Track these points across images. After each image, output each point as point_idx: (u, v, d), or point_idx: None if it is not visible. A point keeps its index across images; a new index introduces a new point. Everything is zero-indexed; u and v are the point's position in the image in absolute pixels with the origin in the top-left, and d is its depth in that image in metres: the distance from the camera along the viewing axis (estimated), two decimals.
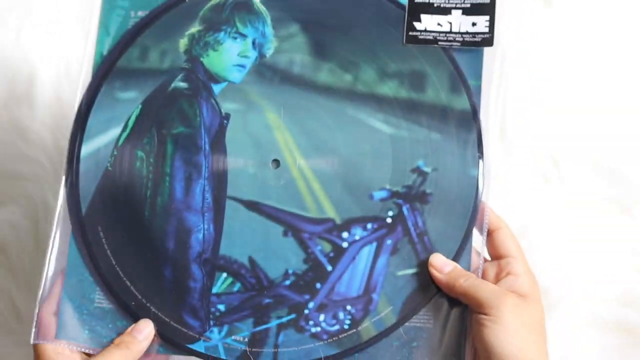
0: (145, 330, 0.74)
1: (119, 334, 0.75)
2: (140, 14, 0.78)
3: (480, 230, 0.73)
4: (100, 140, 0.77)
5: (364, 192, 0.75)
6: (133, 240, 0.76)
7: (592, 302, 0.89)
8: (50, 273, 0.76)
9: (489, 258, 0.74)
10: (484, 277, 0.72)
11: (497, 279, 0.71)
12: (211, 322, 0.75)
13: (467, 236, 0.73)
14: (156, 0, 0.79)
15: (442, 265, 0.72)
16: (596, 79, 0.94)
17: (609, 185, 0.91)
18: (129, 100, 0.77)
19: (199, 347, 0.74)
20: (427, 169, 0.75)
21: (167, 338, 0.75)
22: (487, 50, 0.75)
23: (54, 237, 0.77)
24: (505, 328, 0.65)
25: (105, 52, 0.79)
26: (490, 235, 0.72)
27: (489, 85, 0.75)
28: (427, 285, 0.73)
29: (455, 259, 0.73)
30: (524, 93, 0.91)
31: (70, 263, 0.76)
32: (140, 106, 0.77)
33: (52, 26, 0.92)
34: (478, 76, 0.76)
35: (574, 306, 0.88)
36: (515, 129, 0.88)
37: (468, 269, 0.72)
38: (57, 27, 0.92)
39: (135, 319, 0.75)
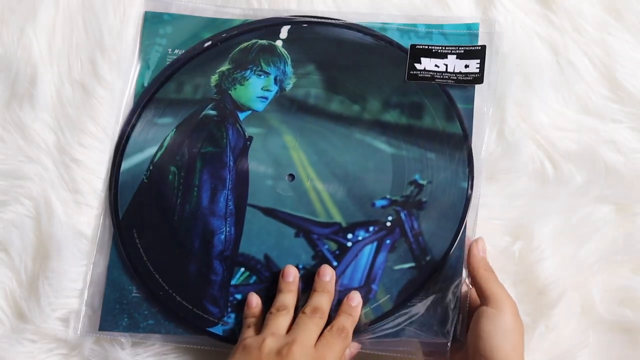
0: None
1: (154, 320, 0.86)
2: (177, 51, 0.93)
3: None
4: (138, 157, 0.90)
5: (367, 201, 0.88)
6: (162, 240, 0.88)
7: (591, 302, 0.89)
8: (98, 270, 0.89)
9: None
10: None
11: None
12: (229, 309, 0.86)
13: (456, 237, 0.86)
14: (191, 41, 0.94)
15: (483, 248, 0.84)
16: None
17: (607, 184, 0.91)
18: (164, 125, 0.91)
19: (217, 330, 0.86)
20: (423, 182, 0.88)
21: (189, 322, 0.86)
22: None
23: (98, 240, 0.90)
24: (503, 323, 0.76)
25: (145, 84, 0.93)
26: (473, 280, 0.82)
27: (481, 106, 0.89)
28: (419, 277, 0.85)
29: (445, 257, 0.85)
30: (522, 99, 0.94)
31: (112, 260, 0.89)
32: (174, 129, 0.91)
33: (54, 27, 0.96)
34: (470, 100, 0.90)
35: (573, 306, 0.89)
36: (514, 132, 0.92)
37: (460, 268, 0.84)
38: (59, 27, 0.96)
39: (163, 306, 0.87)
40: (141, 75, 0.94)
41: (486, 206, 0.89)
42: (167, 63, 0.93)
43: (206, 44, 0.94)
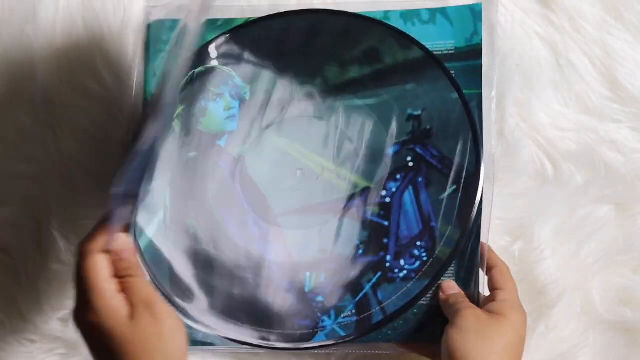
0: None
1: None
2: None
3: (483, 268, 0.85)
4: (151, 229, 0.90)
5: (380, 155, 0.88)
6: (215, 286, 0.88)
7: (591, 302, 0.90)
8: None
9: (488, 293, 0.85)
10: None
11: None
12: (318, 314, 0.85)
13: (473, 133, 0.87)
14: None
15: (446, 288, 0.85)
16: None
17: (607, 184, 0.91)
18: (157, 188, 0.90)
19: (319, 338, 0.85)
20: (418, 112, 0.88)
21: (292, 344, 0.86)
22: None
23: None
24: (459, 330, 0.77)
25: (153, 91, 0.91)
26: (489, 272, 0.84)
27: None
28: (466, 196, 0.86)
29: (478, 164, 0.86)
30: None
31: None
32: (169, 187, 0.90)
33: (55, 25, 0.95)
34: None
35: (573, 306, 0.89)
36: (514, 132, 0.92)
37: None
38: (60, 26, 0.95)
39: (195, 320, 0.87)
40: (147, 83, 0.93)
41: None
42: None
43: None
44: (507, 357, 0.76)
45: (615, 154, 0.90)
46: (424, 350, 0.85)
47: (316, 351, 0.86)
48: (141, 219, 0.89)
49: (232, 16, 0.94)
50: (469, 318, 0.78)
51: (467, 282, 0.85)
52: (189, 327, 0.86)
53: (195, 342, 0.87)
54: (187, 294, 0.87)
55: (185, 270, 0.88)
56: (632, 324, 0.89)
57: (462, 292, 0.84)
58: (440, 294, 0.84)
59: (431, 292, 0.85)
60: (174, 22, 0.93)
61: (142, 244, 0.89)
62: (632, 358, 0.88)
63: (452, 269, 0.85)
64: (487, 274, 0.84)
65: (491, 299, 0.81)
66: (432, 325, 0.85)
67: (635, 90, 0.92)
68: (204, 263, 0.88)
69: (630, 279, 0.90)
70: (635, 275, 0.90)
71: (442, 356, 0.78)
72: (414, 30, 0.91)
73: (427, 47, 0.90)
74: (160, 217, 0.89)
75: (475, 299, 0.84)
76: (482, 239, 0.85)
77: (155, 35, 0.94)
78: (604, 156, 0.91)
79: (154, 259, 0.88)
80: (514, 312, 0.79)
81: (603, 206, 0.91)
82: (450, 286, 0.84)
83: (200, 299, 0.87)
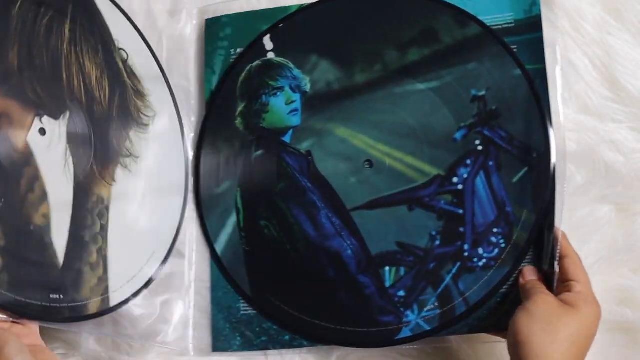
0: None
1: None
2: (239, 50, 0.92)
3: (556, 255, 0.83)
4: (226, 233, 0.90)
5: (447, 140, 0.86)
6: (294, 285, 0.89)
7: None
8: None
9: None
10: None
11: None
12: (401, 309, 0.85)
13: (540, 110, 0.85)
14: (251, 36, 0.92)
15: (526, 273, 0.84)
16: None
17: (607, 184, 0.90)
18: (227, 190, 0.90)
19: (405, 333, 0.85)
20: (482, 93, 0.86)
21: (373, 343, 0.86)
22: None
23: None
24: (528, 313, 0.76)
25: (213, 88, 0.92)
26: (561, 260, 0.82)
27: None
28: (539, 176, 0.84)
29: (547, 142, 0.84)
30: None
31: (214, 280, 0.90)
32: (238, 189, 0.90)
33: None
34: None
35: None
36: None
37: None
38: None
39: (278, 321, 0.87)
40: (208, 81, 0.93)
41: None
42: (231, 62, 0.92)
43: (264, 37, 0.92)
44: (571, 350, 0.74)
45: (615, 154, 0.89)
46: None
47: (404, 346, 0.87)
48: (214, 223, 0.90)
49: (283, 4, 0.92)
50: (540, 304, 0.77)
51: (544, 268, 0.83)
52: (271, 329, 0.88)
53: (283, 344, 0.88)
54: (266, 294, 0.88)
55: (262, 270, 0.89)
56: (632, 324, 0.88)
57: (541, 279, 0.82)
58: (521, 279, 0.83)
59: (512, 279, 0.84)
60: (228, 17, 0.93)
61: (219, 248, 0.90)
62: (632, 358, 0.88)
63: (530, 254, 0.84)
64: (559, 262, 0.82)
65: (567, 289, 0.80)
66: None
67: (635, 90, 0.90)
68: (281, 262, 0.88)
69: (630, 279, 0.89)
70: (635, 275, 0.89)
71: (507, 335, 0.78)
72: (469, 5, 0.88)
73: (485, 22, 0.87)
74: (234, 220, 0.90)
75: (552, 286, 0.82)
76: (556, 222, 0.83)
77: (211, 33, 0.93)
78: (604, 156, 0.90)
79: (231, 262, 0.89)
80: (588, 305, 0.77)
81: (603, 206, 0.90)
82: (531, 272, 0.83)
83: (280, 297, 0.88)
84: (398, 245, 0.86)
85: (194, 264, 0.92)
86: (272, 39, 0.91)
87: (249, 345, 0.88)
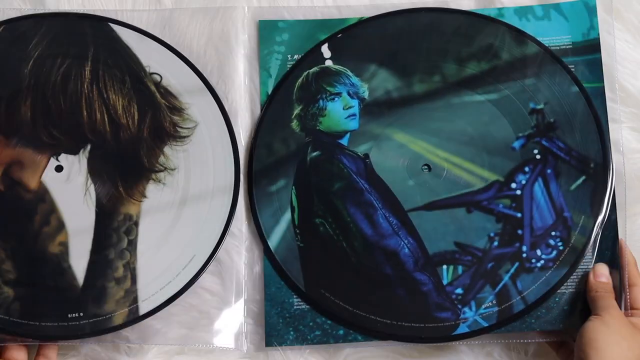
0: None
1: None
2: (296, 57, 0.94)
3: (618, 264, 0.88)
4: (280, 229, 0.90)
5: (506, 149, 0.90)
6: (349, 281, 0.89)
7: None
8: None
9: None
10: None
11: None
12: (459, 306, 0.86)
13: (597, 125, 0.90)
14: (309, 44, 0.94)
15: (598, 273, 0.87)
16: None
17: None
18: (282, 189, 0.91)
19: (462, 329, 0.86)
20: (540, 106, 0.91)
21: (430, 338, 0.87)
22: None
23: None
24: (605, 324, 0.80)
25: (269, 92, 0.94)
26: (630, 289, 0.86)
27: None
28: (597, 185, 0.89)
29: (605, 154, 0.89)
30: None
31: (267, 275, 0.90)
32: (293, 187, 0.91)
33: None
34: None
35: None
36: None
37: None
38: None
39: (333, 316, 0.88)
40: (264, 84, 0.94)
41: None
42: (288, 69, 0.94)
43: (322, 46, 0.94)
44: None
45: (615, 154, 0.91)
46: (567, 337, 0.86)
47: (461, 342, 0.87)
48: (267, 220, 0.89)
49: (344, 16, 0.96)
50: (617, 319, 0.81)
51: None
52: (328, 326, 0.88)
53: (337, 338, 0.88)
54: (320, 289, 0.88)
55: (316, 266, 0.88)
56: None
57: (611, 283, 0.86)
58: (591, 276, 0.86)
59: (570, 280, 0.87)
60: (285, 22, 0.95)
61: (272, 244, 0.89)
62: None
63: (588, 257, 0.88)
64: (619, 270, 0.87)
65: (637, 314, 0.84)
66: (573, 313, 0.86)
67: (635, 90, 0.95)
68: (336, 258, 0.88)
69: None
70: None
71: (577, 338, 0.80)
72: (528, 27, 0.94)
73: (544, 42, 0.93)
74: (289, 217, 0.89)
75: (619, 293, 0.85)
76: (620, 233, 0.88)
77: (266, 36, 0.95)
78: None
79: (285, 258, 0.89)
80: None
81: None
82: (602, 272, 0.86)
83: (334, 292, 0.88)
84: (456, 245, 0.88)
85: (243, 262, 0.91)
86: (330, 48, 0.94)
87: (302, 340, 0.87)
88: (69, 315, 0.87)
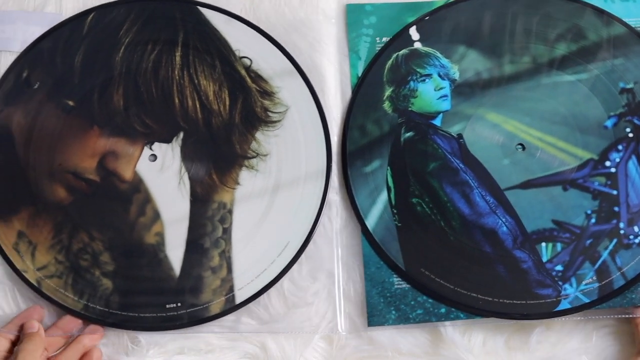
0: None
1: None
2: (385, 39, 0.96)
3: None
4: (377, 210, 0.92)
5: (599, 128, 0.92)
6: (449, 259, 0.90)
7: None
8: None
9: None
10: None
11: None
12: (559, 283, 0.88)
13: None
14: (397, 26, 0.96)
15: None
16: None
17: None
18: (376, 169, 0.92)
19: (564, 305, 0.88)
20: (630, 85, 0.93)
21: (533, 315, 0.89)
22: None
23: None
24: None
25: (359, 74, 0.96)
26: None
27: None
28: None
29: None
30: None
31: (366, 257, 0.91)
32: (388, 168, 0.92)
33: None
34: None
35: None
36: None
37: None
38: None
39: (434, 294, 0.89)
40: (353, 66, 0.96)
41: None
42: (377, 51, 0.95)
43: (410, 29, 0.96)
44: None
45: None
46: None
47: (563, 318, 0.89)
48: (364, 201, 0.91)
49: None
50: None
51: None
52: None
53: (440, 316, 0.90)
54: (420, 268, 0.90)
55: (415, 245, 0.90)
56: None
57: None
58: None
59: None
60: (373, 6, 0.97)
61: (370, 224, 0.90)
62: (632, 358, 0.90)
63: None
64: None
65: None
66: None
67: None
68: (435, 237, 0.90)
69: None
70: None
71: None
72: (613, 8, 0.96)
73: (630, 23, 0.95)
74: (385, 197, 0.90)
75: None
76: None
77: (354, 19, 0.97)
78: None
79: (383, 238, 0.90)
80: None
81: None
82: None
83: (434, 271, 0.90)
84: (554, 222, 0.90)
85: (339, 244, 0.92)
86: (418, 30, 0.95)
87: (404, 319, 0.89)
88: (167, 306, 0.89)
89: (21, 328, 0.86)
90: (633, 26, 0.95)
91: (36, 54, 0.93)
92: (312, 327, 0.90)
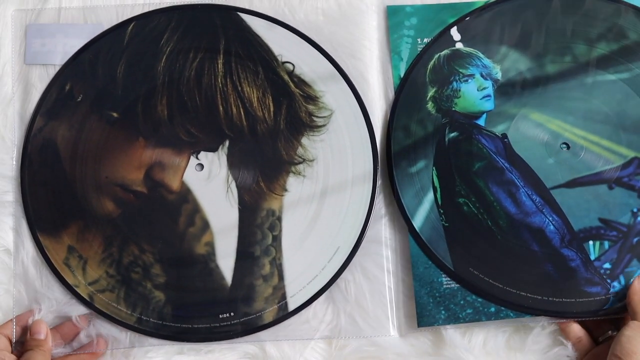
0: None
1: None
2: (426, 40, 0.98)
3: None
4: (423, 210, 0.93)
5: None
6: (497, 258, 0.92)
7: None
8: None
9: None
10: None
11: None
12: (608, 281, 0.90)
13: None
14: (438, 27, 0.98)
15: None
16: None
17: None
18: (421, 169, 0.94)
19: (614, 303, 0.90)
20: None
21: (582, 313, 0.90)
22: None
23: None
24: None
25: (401, 74, 0.97)
26: None
27: None
28: None
29: None
30: None
31: (414, 257, 0.93)
32: (434, 168, 0.94)
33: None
34: None
35: None
36: None
37: None
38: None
39: (484, 293, 0.91)
40: (395, 67, 0.97)
41: None
42: (418, 52, 0.97)
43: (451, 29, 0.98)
44: None
45: None
46: None
47: (612, 316, 0.91)
48: (410, 201, 0.93)
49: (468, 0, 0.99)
50: None
51: None
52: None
53: (489, 315, 0.91)
54: (468, 267, 0.92)
55: (462, 245, 0.92)
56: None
57: None
58: (636, 281, 0.90)
59: None
60: (413, 7, 0.99)
61: (417, 224, 0.93)
62: None
63: None
64: None
65: None
66: None
67: None
68: (482, 237, 0.93)
69: None
70: None
71: (613, 345, 0.84)
72: None
73: None
74: (431, 197, 0.93)
75: None
76: None
77: (395, 21, 0.98)
78: None
79: (431, 238, 0.93)
80: None
81: None
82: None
83: (483, 270, 0.91)
84: (601, 221, 0.92)
85: (387, 246, 0.94)
86: (459, 30, 0.97)
87: (454, 319, 0.91)
88: (220, 316, 0.90)
89: (25, 330, 0.88)
90: None
91: (77, 67, 0.94)
92: (368, 333, 0.92)
